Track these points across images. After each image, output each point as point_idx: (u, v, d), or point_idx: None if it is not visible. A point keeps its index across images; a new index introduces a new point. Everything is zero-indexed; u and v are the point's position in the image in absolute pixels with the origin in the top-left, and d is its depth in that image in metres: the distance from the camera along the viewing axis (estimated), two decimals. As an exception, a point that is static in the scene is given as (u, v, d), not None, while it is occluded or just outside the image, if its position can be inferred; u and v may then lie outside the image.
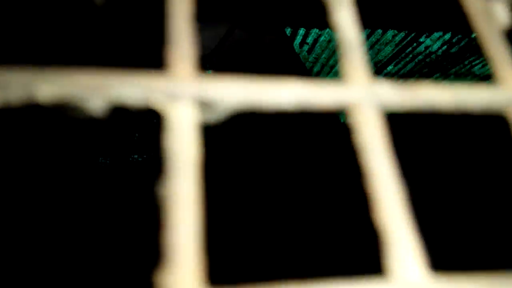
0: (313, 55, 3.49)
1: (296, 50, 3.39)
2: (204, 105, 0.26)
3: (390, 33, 3.31)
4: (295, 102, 0.27)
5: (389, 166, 0.26)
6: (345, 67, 0.29)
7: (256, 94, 0.26)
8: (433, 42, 3.33)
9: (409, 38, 3.31)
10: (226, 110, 0.26)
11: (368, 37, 3.33)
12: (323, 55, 3.51)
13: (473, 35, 3.15)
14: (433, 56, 3.39)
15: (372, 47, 3.42)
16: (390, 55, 3.47)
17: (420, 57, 3.42)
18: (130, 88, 0.25)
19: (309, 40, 3.33)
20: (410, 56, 3.45)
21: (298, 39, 3.30)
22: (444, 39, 3.26)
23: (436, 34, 3.24)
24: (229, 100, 0.26)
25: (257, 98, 0.26)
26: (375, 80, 0.28)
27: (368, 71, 0.29)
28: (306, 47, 3.40)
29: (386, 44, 3.40)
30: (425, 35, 3.26)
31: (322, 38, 3.33)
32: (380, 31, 3.27)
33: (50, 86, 0.24)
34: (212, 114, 0.26)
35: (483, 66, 3.42)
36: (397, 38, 3.33)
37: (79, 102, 0.25)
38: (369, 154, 0.26)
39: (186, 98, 0.26)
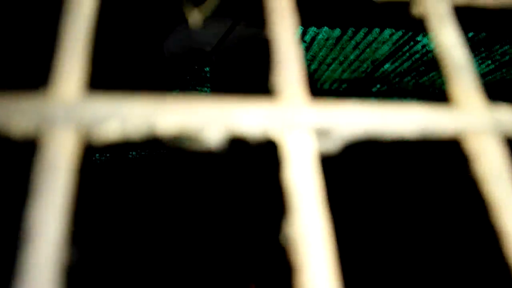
0: (311, 53, 3.48)
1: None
2: (321, 133, 0.25)
3: (387, 32, 3.32)
4: (417, 131, 0.25)
5: (518, 198, 0.25)
6: (455, 90, 0.28)
7: (377, 122, 0.25)
8: (430, 41, 3.35)
9: (406, 37, 3.32)
10: (344, 139, 0.25)
11: (365, 35, 3.33)
12: (321, 53, 3.50)
13: (470, 34, 3.17)
14: (430, 54, 3.41)
15: (369, 46, 3.43)
16: (387, 54, 3.48)
17: (417, 55, 3.44)
18: (249, 117, 0.24)
19: (307, 38, 3.32)
20: (407, 54, 3.46)
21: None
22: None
23: (433, 33, 3.24)
24: (348, 128, 0.25)
25: (378, 127, 0.25)
26: (489, 104, 0.27)
27: (482, 94, 0.28)
28: (303, 45, 3.39)
29: (383, 42, 3.41)
30: (422, 34, 3.28)
31: (319, 36, 3.32)
32: (377, 29, 3.28)
33: (172, 116, 0.22)
34: (328, 143, 0.25)
35: (479, 64, 3.45)
36: (394, 37, 3.34)
37: (198, 133, 0.23)
38: (493, 185, 0.25)
39: (304, 126, 0.25)
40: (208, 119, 0.23)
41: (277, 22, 0.27)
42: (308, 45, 3.39)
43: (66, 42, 0.23)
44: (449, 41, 0.29)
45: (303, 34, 3.28)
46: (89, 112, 0.22)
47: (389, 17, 3.14)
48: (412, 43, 3.38)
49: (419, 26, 3.17)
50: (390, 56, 3.50)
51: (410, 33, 3.29)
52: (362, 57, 3.54)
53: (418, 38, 3.32)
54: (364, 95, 3.81)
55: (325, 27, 3.27)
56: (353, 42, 3.41)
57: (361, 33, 3.30)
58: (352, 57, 3.55)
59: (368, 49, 3.46)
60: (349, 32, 3.28)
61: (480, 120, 0.26)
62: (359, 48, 3.45)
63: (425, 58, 3.47)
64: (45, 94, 0.22)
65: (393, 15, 3.11)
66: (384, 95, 3.73)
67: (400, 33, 3.27)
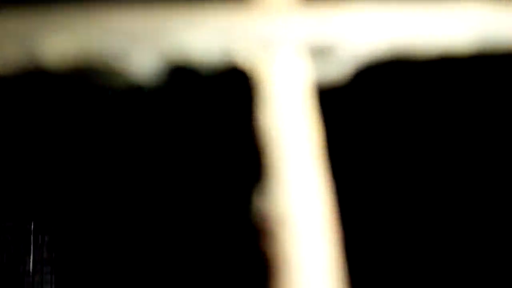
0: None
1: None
2: (319, 53, 0.16)
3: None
4: (472, 41, 0.16)
5: None
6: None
7: (408, 33, 0.15)
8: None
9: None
10: (355, 60, 0.16)
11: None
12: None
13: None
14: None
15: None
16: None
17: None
18: (198, 33, 0.15)
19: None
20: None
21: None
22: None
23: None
24: (361, 44, 0.16)
25: (410, 39, 0.15)
26: None
27: None
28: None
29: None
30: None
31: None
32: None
33: (66, 37, 0.14)
34: (330, 67, 0.16)
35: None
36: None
37: (114, 61, 0.15)
38: None
39: (289, 43, 0.16)
40: (131, 39, 0.14)
41: None
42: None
43: None
44: None
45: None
46: None
47: None
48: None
49: None
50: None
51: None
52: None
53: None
54: None
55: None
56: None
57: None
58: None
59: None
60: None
61: None
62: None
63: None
64: None
65: None
66: None
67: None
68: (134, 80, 0.14)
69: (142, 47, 0.15)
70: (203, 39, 0.15)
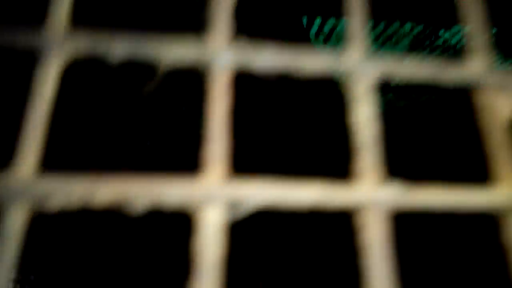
0: (329, 45, 3.48)
1: (312, 40, 3.38)
2: (232, 205, 0.30)
3: (408, 26, 3.28)
4: (310, 204, 0.31)
5: (386, 270, 0.30)
6: (357, 165, 0.33)
7: (280, 195, 0.30)
8: (452, 36, 3.30)
9: (427, 31, 3.28)
10: (251, 208, 0.31)
11: (385, 28, 3.30)
12: (339, 45, 3.49)
13: (494, 31, 3.11)
14: (451, 50, 3.36)
15: (390, 39, 3.40)
16: (407, 48, 3.45)
17: (438, 51, 3.40)
18: (170, 192, 0.30)
19: (326, 29, 3.32)
20: (428, 49, 3.42)
21: (314, 28, 3.29)
22: (463, 33, 3.23)
23: (455, 28, 3.21)
24: (256, 200, 0.30)
25: (280, 199, 0.30)
26: (385, 180, 0.32)
27: (381, 171, 0.32)
28: (322, 37, 3.39)
29: (404, 36, 3.38)
30: (443, 29, 3.24)
31: (338, 27, 3.32)
32: (398, 23, 3.25)
33: (107, 191, 0.28)
34: (237, 212, 0.30)
35: (501, 63, 3.39)
36: (415, 31, 3.31)
37: (128, 204, 0.29)
38: (369, 255, 0.30)
39: (217, 201, 0.30)
40: (137, 194, 0.29)
41: (212, 102, 0.33)
42: (326, 37, 3.40)
43: (27, 127, 0.29)
44: (362, 119, 0.34)
45: (322, 26, 3.29)
46: (40, 189, 0.28)
47: (410, 10, 3.11)
48: (433, 37, 3.34)
49: (441, 21, 3.13)
50: (411, 51, 3.48)
51: (431, 28, 3.25)
52: (382, 50, 3.52)
53: (440, 33, 3.28)
54: (384, 89, 3.79)
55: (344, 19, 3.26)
56: (373, 34, 3.40)
57: (381, 26, 3.28)
58: (371, 50, 3.53)
59: (388, 42, 3.44)
60: (369, 24, 3.26)
61: (370, 197, 0.31)
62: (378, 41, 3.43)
63: (446, 53, 3.43)
64: (7, 172, 0.28)
65: (415, 8, 3.07)
66: (404, 90, 3.71)
67: (421, 27, 3.24)
68: (135, 213, 0.29)
69: (141, 197, 0.29)
70: (171, 196, 0.30)
